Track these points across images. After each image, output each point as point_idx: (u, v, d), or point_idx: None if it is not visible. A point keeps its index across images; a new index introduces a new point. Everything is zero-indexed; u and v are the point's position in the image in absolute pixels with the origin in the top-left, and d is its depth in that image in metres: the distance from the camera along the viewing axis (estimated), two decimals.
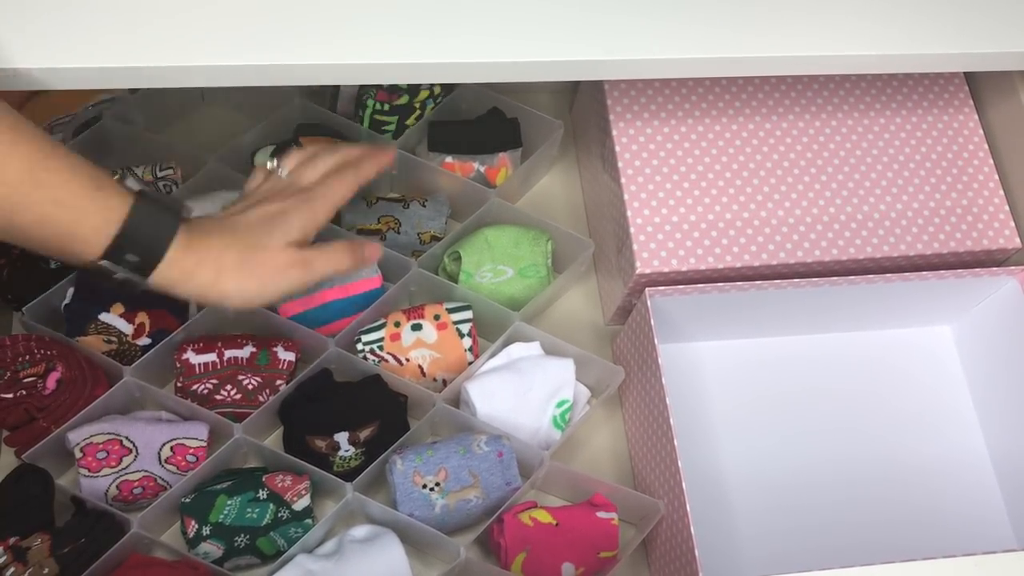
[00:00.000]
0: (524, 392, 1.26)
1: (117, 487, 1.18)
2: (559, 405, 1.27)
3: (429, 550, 1.24)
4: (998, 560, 1.01)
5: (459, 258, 1.34)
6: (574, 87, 1.55)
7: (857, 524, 1.30)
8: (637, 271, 1.25)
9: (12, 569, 1.06)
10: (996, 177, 1.35)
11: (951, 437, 1.38)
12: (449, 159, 1.42)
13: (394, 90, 1.40)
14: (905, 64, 1.21)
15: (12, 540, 1.08)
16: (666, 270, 1.26)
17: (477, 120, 1.46)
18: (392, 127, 1.41)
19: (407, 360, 1.28)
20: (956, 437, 1.38)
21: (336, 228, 1.34)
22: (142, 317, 1.25)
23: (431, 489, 1.19)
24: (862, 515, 1.31)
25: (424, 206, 1.39)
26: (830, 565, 1.02)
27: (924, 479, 1.34)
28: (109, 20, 1.06)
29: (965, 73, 1.42)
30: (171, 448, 1.20)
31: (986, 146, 1.38)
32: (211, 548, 1.16)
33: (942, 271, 1.28)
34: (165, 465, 1.19)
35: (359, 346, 1.28)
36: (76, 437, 1.17)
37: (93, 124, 1.34)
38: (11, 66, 1.02)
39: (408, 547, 1.20)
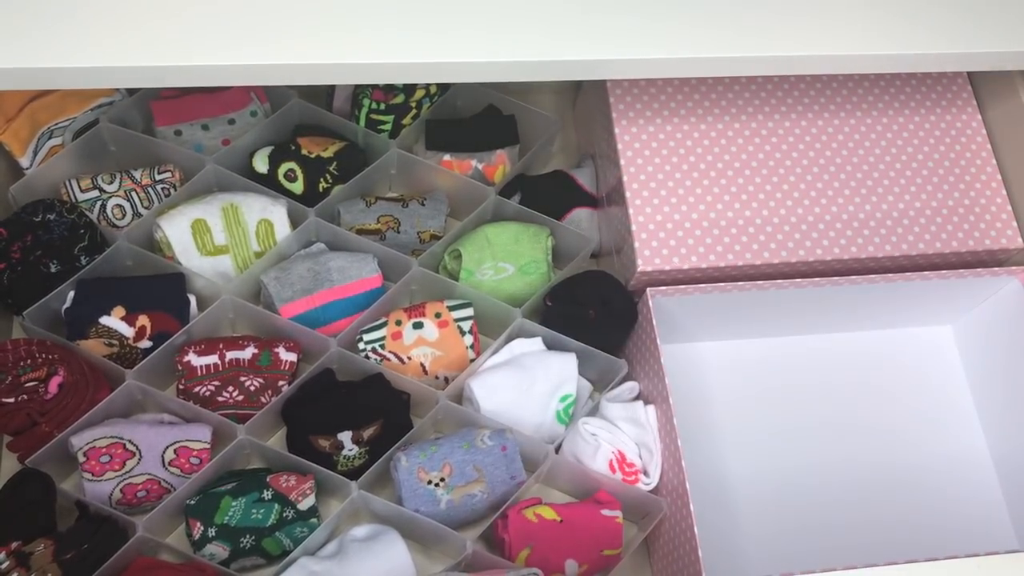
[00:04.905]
0: (527, 387, 1.26)
1: (121, 491, 1.18)
2: (562, 400, 1.28)
3: (435, 545, 1.25)
4: (1000, 561, 1.01)
5: (460, 256, 1.34)
6: (577, 86, 1.54)
7: (859, 523, 1.31)
8: (639, 269, 1.26)
9: (15, 575, 1.06)
10: (998, 177, 1.36)
11: (953, 437, 1.39)
12: (447, 157, 1.41)
13: (390, 89, 1.39)
14: (906, 64, 1.21)
15: (14, 545, 1.08)
16: (667, 268, 1.26)
17: (474, 118, 1.46)
18: (388, 126, 1.41)
19: (409, 358, 1.28)
20: (958, 437, 1.39)
21: (336, 228, 1.33)
22: (143, 320, 1.24)
23: (436, 484, 1.19)
24: (864, 514, 1.31)
25: (423, 205, 1.39)
26: (832, 565, 1.03)
27: (926, 479, 1.35)
28: (109, 20, 1.06)
29: (968, 73, 1.43)
30: (174, 451, 1.20)
31: (988, 146, 1.38)
32: (217, 550, 1.16)
33: (943, 271, 1.29)
34: (169, 468, 1.19)
35: (361, 345, 1.28)
36: (79, 441, 1.17)
37: (92, 127, 1.33)
38: (13, 66, 1.02)
39: (412, 543, 1.21)
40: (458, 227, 1.37)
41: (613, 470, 1.22)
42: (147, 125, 1.38)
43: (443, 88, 1.43)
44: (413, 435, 1.25)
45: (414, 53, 1.09)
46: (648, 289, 1.24)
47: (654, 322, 1.22)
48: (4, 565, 1.06)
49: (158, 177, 1.34)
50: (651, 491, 1.23)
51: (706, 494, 1.26)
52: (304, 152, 1.36)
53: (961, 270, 1.29)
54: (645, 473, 1.23)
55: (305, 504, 1.19)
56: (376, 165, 1.38)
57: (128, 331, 1.24)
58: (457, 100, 1.46)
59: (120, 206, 1.32)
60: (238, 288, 1.30)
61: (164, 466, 1.19)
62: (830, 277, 1.25)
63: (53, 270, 1.24)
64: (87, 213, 1.29)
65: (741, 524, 1.29)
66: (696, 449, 1.27)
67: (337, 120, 1.41)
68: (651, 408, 1.24)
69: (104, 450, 1.17)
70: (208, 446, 1.21)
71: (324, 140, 1.38)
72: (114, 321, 1.23)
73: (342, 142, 1.39)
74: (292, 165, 1.36)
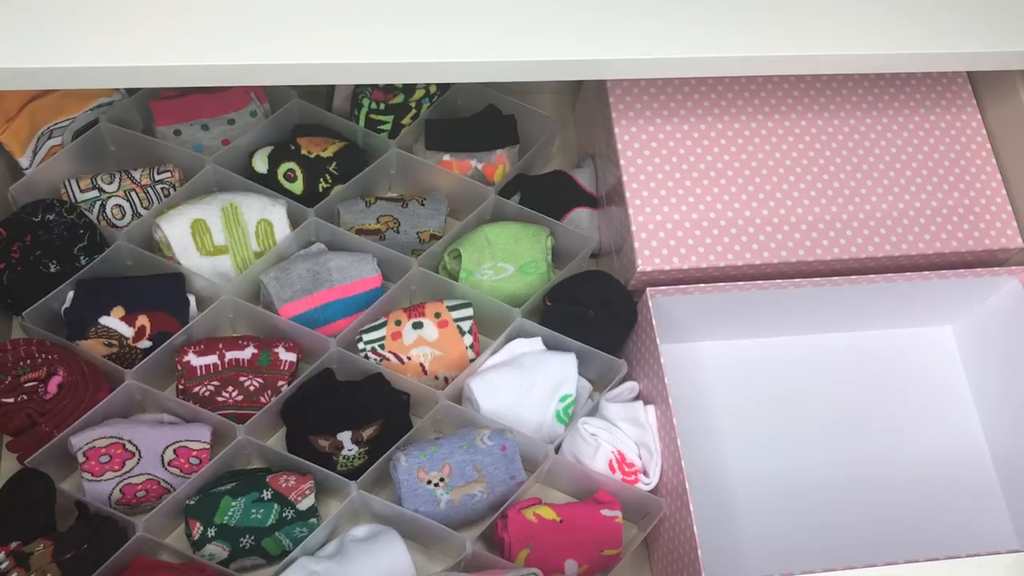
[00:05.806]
0: (527, 387, 1.26)
1: (120, 491, 1.18)
2: (562, 400, 1.28)
3: (435, 545, 1.25)
4: (1000, 561, 1.01)
5: (459, 256, 1.34)
6: (577, 86, 1.55)
7: (859, 523, 1.31)
8: (638, 269, 1.26)
9: (14, 575, 1.06)
10: (998, 177, 1.36)
11: (953, 437, 1.39)
12: (447, 157, 1.41)
13: (390, 89, 1.39)
14: (906, 63, 1.21)
15: (14, 545, 1.08)
16: (667, 268, 1.26)
17: (474, 118, 1.46)
18: (388, 126, 1.41)
19: (409, 358, 1.28)
20: (958, 437, 1.39)
21: (336, 228, 1.33)
22: (143, 320, 1.24)
23: (436, 485, 1.19)
24: (864, 514, 1.31)
25: (423, 205, 1.39)
26: (832, 564, 1.03)
27: (926, 478, 1.35)
28: (109, 20, 1.06)
29: (968, 73, 1.43)
30: (174, 451, 1.19)
31: (988, 146, 1.38)
32: (217, 550, 1.16)
33: (943, 270, 1.29)
34: (168, 468, 1.19)
35: (360, 345, 1.28)
36: (79, 441, 1.17)
37: (92, 127, 1.33)
38: (13, 65, 1.02)
39: (412, 543, 1.21)
40: (458, 227, 1.37)
41: (613, 470, 1.22)
42: (147, 125, 1.38)
43: (443, 88, 1.43)
44: (413, 435, 1.25)
45: (414, 53, 1.09)
46: (648, 289, 1.24)
47: (654, 322, 1.22)
48: (4, 565, 1.06)
49: (158, 177, 1.34)
50: (651, 491, 1.23)
51: (706, 494, 1.26)
52: (304, 152, 1.36)
53: (961, 270, 1.29)
54: (645, 473, 1.23)
55: (305, 504, 1.19)
56: (376, 165, 1.38)
57: (128, 331, 1.24)
58: (457, 100, 1.46)
59: (120, 206, 1.32)
60: (238, 288, 1.30)
61: (164, 466, 1.19)
62: (830, 277, 1.25)
63: (53, 270, 1.24)
64: (87, 213, 1.29)
65: (741, 524, 1.29)
66: (696, 449, 1.27)
67: (337, 120, 1.41)
68: (651, 408, 1.24)
69: (104, 450, 1.17)
70: (208, 446, 1.21)
71: (324, 140, 1.38)
72: (114, 321, 1.23)
73: (342, 142, 1.39)
74: (292, 165, 1.36)
